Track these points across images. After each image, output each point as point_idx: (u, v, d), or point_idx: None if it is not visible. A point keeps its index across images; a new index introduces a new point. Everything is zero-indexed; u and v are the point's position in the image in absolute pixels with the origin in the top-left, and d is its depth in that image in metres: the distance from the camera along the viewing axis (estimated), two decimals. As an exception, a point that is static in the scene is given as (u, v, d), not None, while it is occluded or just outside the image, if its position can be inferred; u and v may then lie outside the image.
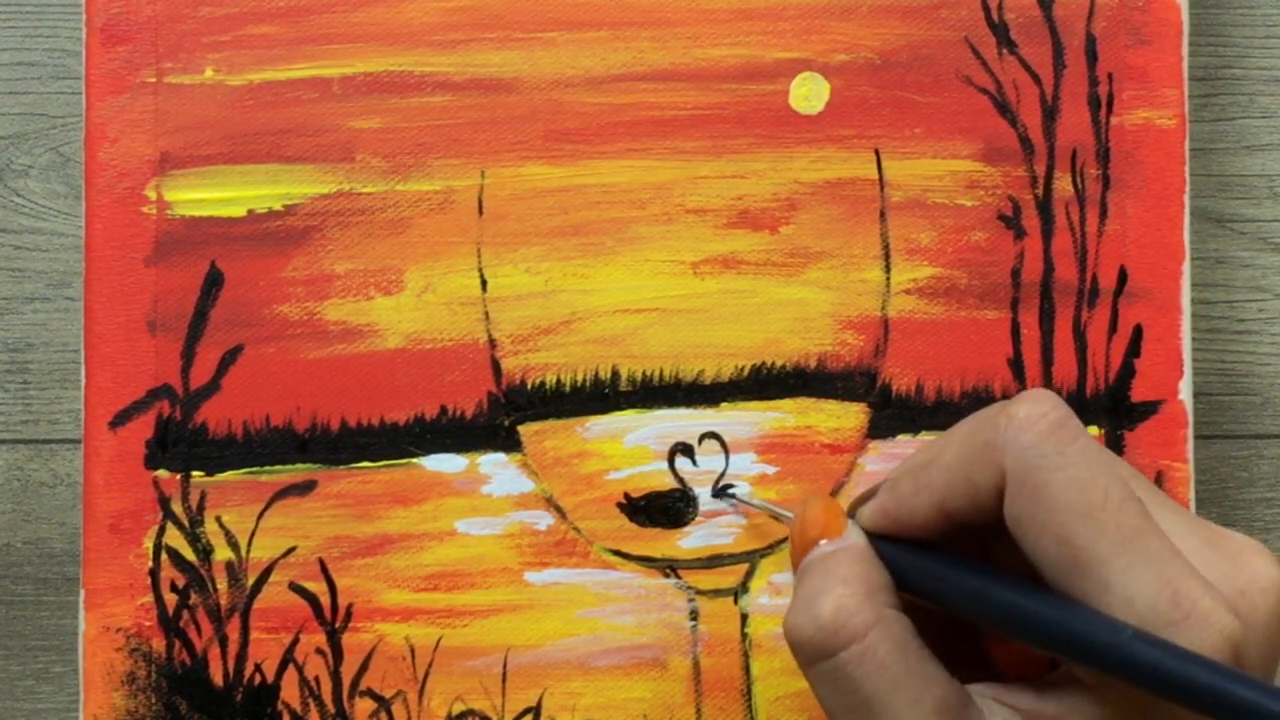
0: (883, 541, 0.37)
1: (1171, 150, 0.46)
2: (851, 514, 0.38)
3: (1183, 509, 0.37)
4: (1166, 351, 0.45)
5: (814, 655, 0.35)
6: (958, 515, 0.36)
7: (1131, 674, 0.32)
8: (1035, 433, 0.34)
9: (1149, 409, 0.45)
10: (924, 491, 0.36)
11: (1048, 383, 0.46)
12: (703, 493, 0.45)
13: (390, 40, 0.46)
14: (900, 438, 0.45)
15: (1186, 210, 0.46)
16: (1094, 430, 0.45)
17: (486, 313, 0.46)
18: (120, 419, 0.45)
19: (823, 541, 0.37)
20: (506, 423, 0.45)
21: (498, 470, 0.45)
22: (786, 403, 0.46)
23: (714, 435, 0.45)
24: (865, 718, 0.35)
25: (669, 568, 0.45)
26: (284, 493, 0.45)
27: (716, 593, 0.45)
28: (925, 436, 0.46)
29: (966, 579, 0.36)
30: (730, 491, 0.45)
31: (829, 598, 0.35)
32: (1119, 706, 0.34)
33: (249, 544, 0.45)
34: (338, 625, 0.45)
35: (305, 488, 0.45)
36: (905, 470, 0.37)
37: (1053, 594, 0.34)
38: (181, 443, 0.45)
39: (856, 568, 0.36)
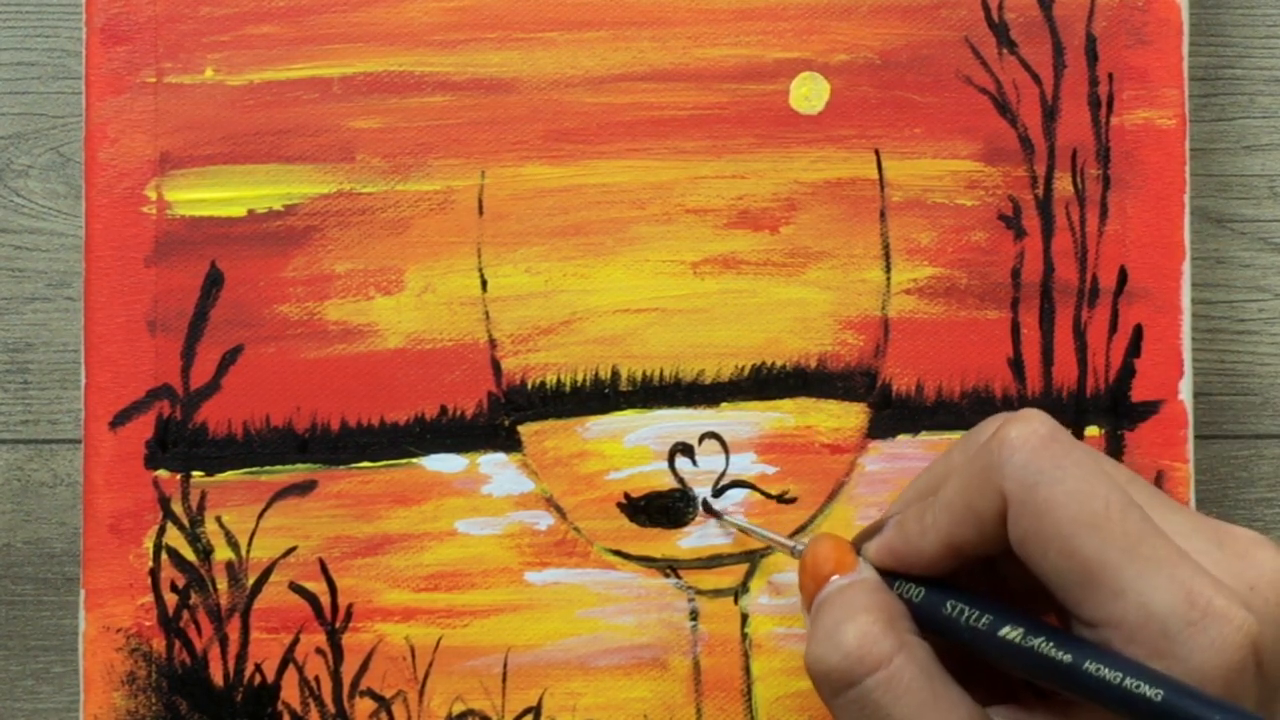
0: (890, 578, 0.38)
1: (1171, 150, 0.46)
2: (857, 548, 0.39)
3: (1184, 508, 0.37)
4: (1166, 351, 0.45)
5: (840, 684, 0.35)
6: (965, 548, 0.36)
7: (1139, 712, 0.33)
8: (1029, 450, 0.34)
9: (1149, 409, 0.45)
10: (930, 531, 0.37)
11: (1048, 383, 0.46)
12: (703, 494, 0.45)
13: (390, 40, 0.46)
14: (900, 438, 0.45)
15: (1186, 210, 0.46)
16: (1094, 430, 0.45)
17: (486, 313, 0.46)
18: (120, 419, 0.45)
19: (835, 577, 0.38)
20: (506, 423, 0.45)
21: (498, 470, 0.45)
22: (786, 403, 0.46)
23: (714, 435, 0.45)
24: None
25: (669, 568, 0.45)
26: (284, 493, 0.45)
27: (716, 593, 0.45)
28: (925, 437, 0.45)
29: (975, 618, 0.36)
30: (727, 516, 0.45)
31: (852, 626, 0.36)
32: None
33: (249, 544, 0.45)
34: (338, 625, 0.45)
35: (305, 488, 0.45)
36: (908, 506, 0.38)
37: (1058, 630, 0.35)
38: (181, 443, 0.45)
39: (876, 597, 0.37)
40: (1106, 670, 0.33)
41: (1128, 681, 0.33)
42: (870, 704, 0.35)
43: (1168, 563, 0.33)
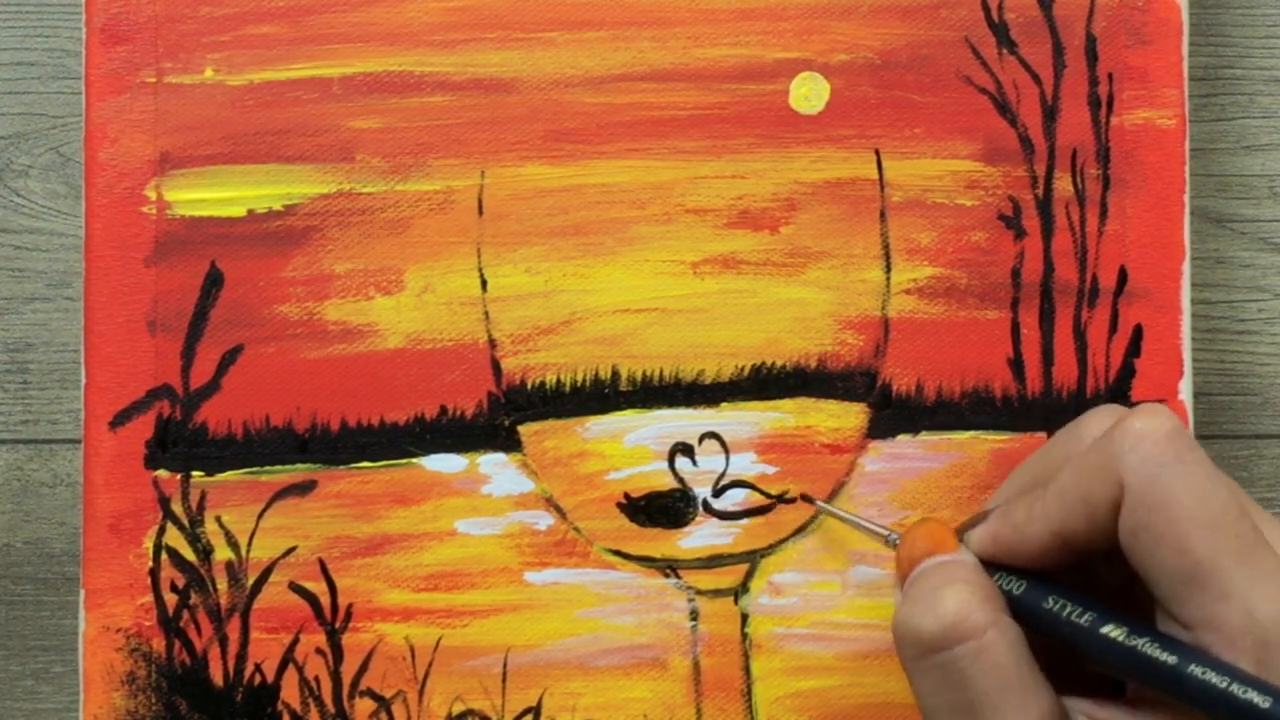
0: (990, 569, 0.38)
1: (1171, 150, 0.46)
2: (962, 534, 0.39)
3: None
4: (1166, 351, 0.45)
5: (930, 647, 0.35)
6: (1073, 540, 0.36)
7: (1241, 718, 0.33)
8: (1154, 443, 0.35)
9: (1149, 409, 0.45)
10: (1039, 519, 0.37)
11: (1048, 383, 0.46)
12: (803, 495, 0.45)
13: (390, 40, 0.46)
14: (900, 438, 0.45)
15: (1186, 210, 0.46)
16: (1094, 430, 0.45)
17: (486, 313, 0.46)
18: (120, 419, 0.45)
19: (934, 556, 0.38)
20: (506, 423, 0.45)
21: (498, 470, 0.45)
22: (786, 403, 0.45)
23: (714, 435, 0.45)
24: (969, 718, 0.35)
25: (669, 568, 0.45)
26: (284, 493, 0.45)
27: (716, 593, 0.45)
28: (925, 436, 0.45)
29: (1079, 614, 0.36)
30: (822, 504, 0.45)
31: (951, 592, 0.36)
32: None
33: (249, 544, 0.45)
34: (338, 625, 0.45)
35: (305, 488, 0.45)
36: (1015, 494, 0.38)
37: (1161, 632, 0.35)
38: (181, 443, 0.45)
39: (976, 575, 0.37)
40: (1213, 674, 0.33)
41: (1235, 687, 0.33)
42: (956, 671, 0.35)
43: (1276, 574, 0.33)
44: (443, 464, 0.45)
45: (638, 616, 0.45)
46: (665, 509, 0.45)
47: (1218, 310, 0.49)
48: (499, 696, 0.45)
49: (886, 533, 0.42)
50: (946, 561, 0.38)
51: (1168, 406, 0.36)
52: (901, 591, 0.38)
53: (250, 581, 0.45)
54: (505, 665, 0.45)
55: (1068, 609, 0.36)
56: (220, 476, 0.45)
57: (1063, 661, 0.37)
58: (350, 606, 0.45)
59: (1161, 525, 0.34)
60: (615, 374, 0.45)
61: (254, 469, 0.45)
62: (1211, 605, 0.33)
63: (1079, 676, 0.37)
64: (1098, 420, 0.38)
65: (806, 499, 0.45)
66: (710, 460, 0.45)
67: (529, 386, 0.45)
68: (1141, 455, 0.35)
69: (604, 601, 0.45)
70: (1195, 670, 0.33)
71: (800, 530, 0.45)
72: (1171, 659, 0.34)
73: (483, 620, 0.45)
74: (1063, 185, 0.46)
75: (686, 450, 0.45)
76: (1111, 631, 0.35)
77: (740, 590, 0.45)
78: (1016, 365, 0.46)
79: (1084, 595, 0.37)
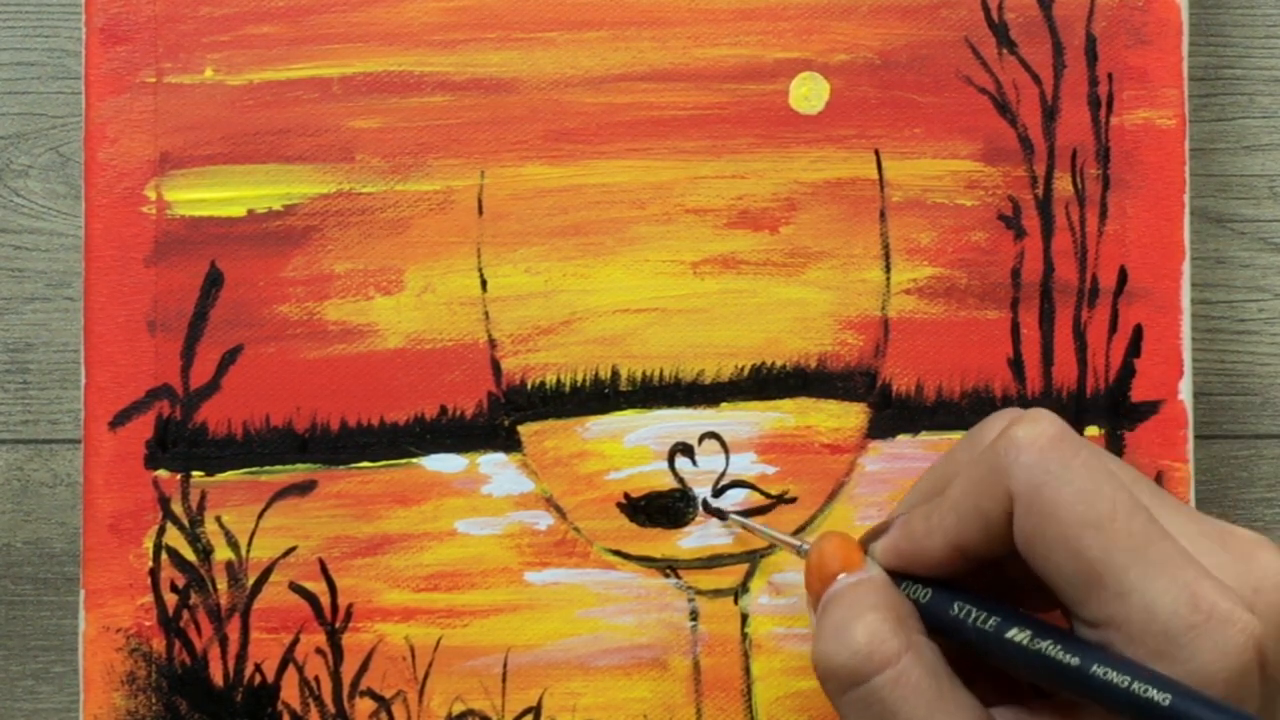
0: (897, 578, 0.38)
1: (1171, 150, 0.46)
2: (863, 548, 0.39)
3: (1188, 508, 0.37)
4: (1166, 351, 0.45)
5: (847, 682, 0.35)
6: (971, 550, 0.36)
7: (1145, 715, 0.33)
8: (1037, 450, 0.34)
9: (1149, 409, 0.45)
10: (937, 531, 0.36)
11: (1048, 383, 0.46)
12: (703, 494, 0.45)
13: (390, 40, 0.46)
14: (900, 438, 0.45)
15: (1186, 210, 0.46)
16: (1094, 430, 0.45)
17: (486, 313, 0.46)
18: (120, 419, 0.45)
19: (842, 575, 0.38)
20: (506, 423, 0.45)
21: (498, 470, 0.45)
22: (786, 403, 0.45)
23: (714, 435, 0.45)
24: None
25: (669, 568, 0.45)
26: (284, 493, 0.45)
27: (716, 593, 0.45)
28: (925, 437, 0.45)
29: (982, 620, 0.36)
30: (732, 515, 0.45)
31: (861, 624, 0.36)
32: None
33: (249, 544, 0.45)
34: (338, 625, 0.45)
35: (305, 488, 0.45)
36: (914, 507, 0.38)
37: (1065, 632, 0.35)
38: (181, 443, 0.45)
39: (884, 595, 0.37)
40: (1114, 674, 0.33)
41: (1135, 685, 0.33)
42: (877, 702, 0.35)
43: (1172, 565, 0.33)
44: (443, 464, 0.45)
45: (638, 616, 0.45)
46: (665, 509, 0.45)
47: (1218, 310, 0.49)
48: (499, 696, 0.45)
49: (798, 544, 0.42)
50: (855, 584, 0.37)
51: (1049, 412, 0.36)
52: (814, 614, 0.38)
53: (250, 581, 0.45)
54: (505, 665, 0.45)
55: (972, 615, 0.36)
56: (220, 476, 0.45)
57: (995, 669, 0.37)
58: (350, 606, 0.45)
59: (1052, 532, 0.34)
60: (615, 374, 0.45)
61: (254, 469, 0.45)
62: (1111, 604, 0.33)
63: (1011, 683, 0.37)
64: (992, 426, 0.38)
65: (711, 509, 0.45)
66: (710, 460, 0.45)
67: (529, 386, 0.45)
68: (1025, 463, 0.34)
69: (604, 601, 0.45)
70: (1098, 670, 0.33)
71: (801, 530, 0.45)
72: (1074, 660, 0.34)
73: (483, 620, 0.45)
74: (1063, 185, 0.46)
75: (686, 450, 0.45)
76: (1016, 635, 0.35)
77: (740, 590, 0.45)
78: (1016, 365, 0.46)
79: (990, 599, 0.36)
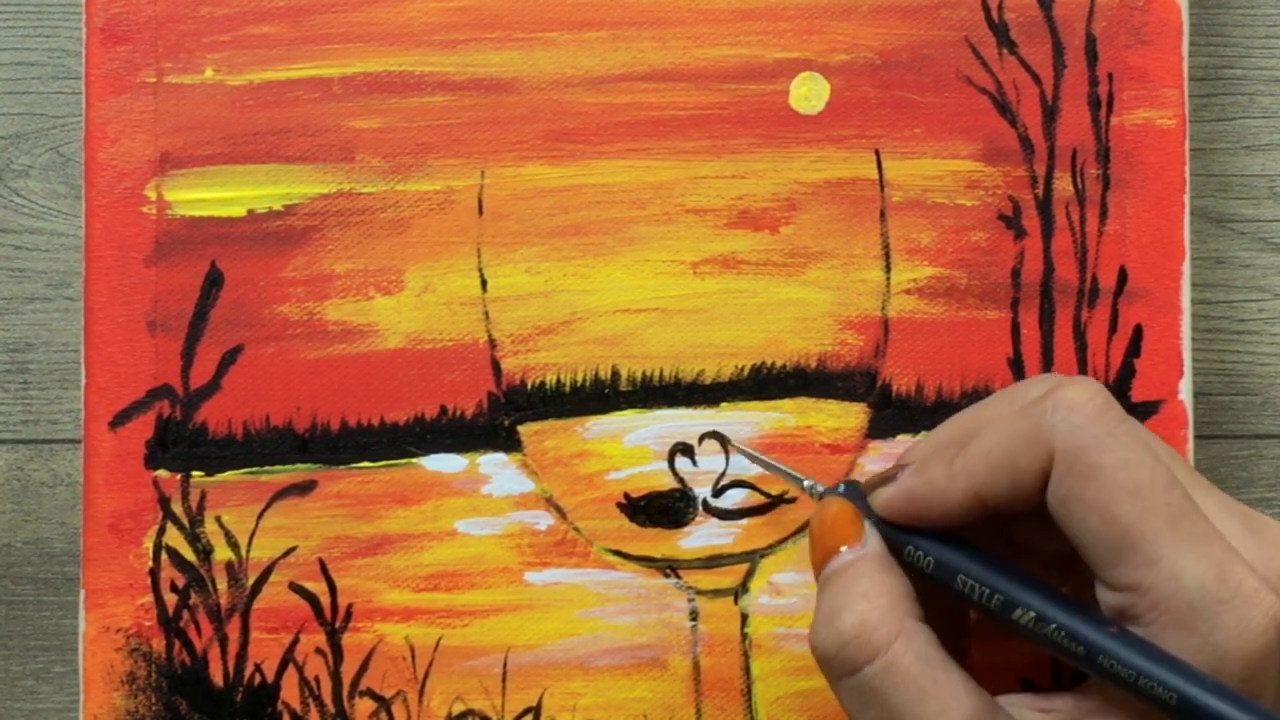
0: (902, 536, 0.37)
1: (1171, 150, 0.46)
2: (870, 492, 0.38)
3: (1219, 492, 0.37)
4: (1166, 351, 0.45)
5: (840, 671, 0.36)
6: (992, 501, 0.36)
7: (1153, 702, 0.33)
8: (1086, 414, 0.35)
9: (1149, 409, 0.45)
10: (960, 477, 0.36)
11: (1048, 383, 0.46)
12: (703, 494, 0.45)
13: (390, 40, 0.46)
14: (900, 438, 0.45)
15: (1186, 210, 0.46)
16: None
17: (486, 313, 0.46)
18: (120, 419, 0.45)
19: (843, 549, 0.38)
20: (506, 423, 0.45)
21: (498, 470, 0.45)
22: (786, 403, 0.45)
23: (714, 435, 0.45)
24: None
25: (669, 568, 0.45)
26: (284, 493, 0.45)
27: (716, 593, 0.45)
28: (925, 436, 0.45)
29: (987, 597, 0.36)
30: (736, 445, 0.44)
31: (851, 612, 0.36)
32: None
33: (249, 544, 0.45)
34: (338, 625, 0.45)
35: (305, 488, 0.45)
36: (932, 453, 0.38)
37: (1074, 607, 0.35)
38: (181, 443, 0.45)
39: (877, 578, 0.37)
40: (1121, 668, 0.33)
41: (1142, 681, 0.33)
42: (869, 691, 0.35)
43: (1204, 539, 0.34)
44: (443, 464, 0.45)
45: (638, 616, 0.45)
46: (665, 509, 0.45)
47: (1218, 310, 0.49)
48: (499, 696, 0.45)
49: (807, 482, 0.41)
50: (850, 564, 0.37)
51: (1096, 381, 0.36)
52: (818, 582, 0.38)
53: (250, 581, 0.45)
54: (505, 665, 0.45)
55: (978, 591, 0.36)
56: (220, 476, 0.45)
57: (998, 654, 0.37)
58: (350, 606, 0.45)
59: (1090, 494, 0.34)
60: (615, 374, 0.45)
61: (254, 469, 0.45)
62: (1139, 571, 0.34)
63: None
64: (1034, 386, 0.38)
65: (716, 437, 0.45)
66: (710, 460, 0.45)
67: (529, 386, 0.45)
68: (1073, 423, 0.35)
69: (604, 601, 0.45)
70: (1104, 661, 0.34)
71: (800, 530, 0.45)
72: (1080, 649, 0.34)
73: (483, 620, 0.45)
74: (1063, 185, 0.46)
75: (686, 450, 0.45)
76: (1021, 617, 0.35)
77: (740, 590, 0.45)
78: (1016, 365, 0.46)
79: (998, 561, 0.36)
